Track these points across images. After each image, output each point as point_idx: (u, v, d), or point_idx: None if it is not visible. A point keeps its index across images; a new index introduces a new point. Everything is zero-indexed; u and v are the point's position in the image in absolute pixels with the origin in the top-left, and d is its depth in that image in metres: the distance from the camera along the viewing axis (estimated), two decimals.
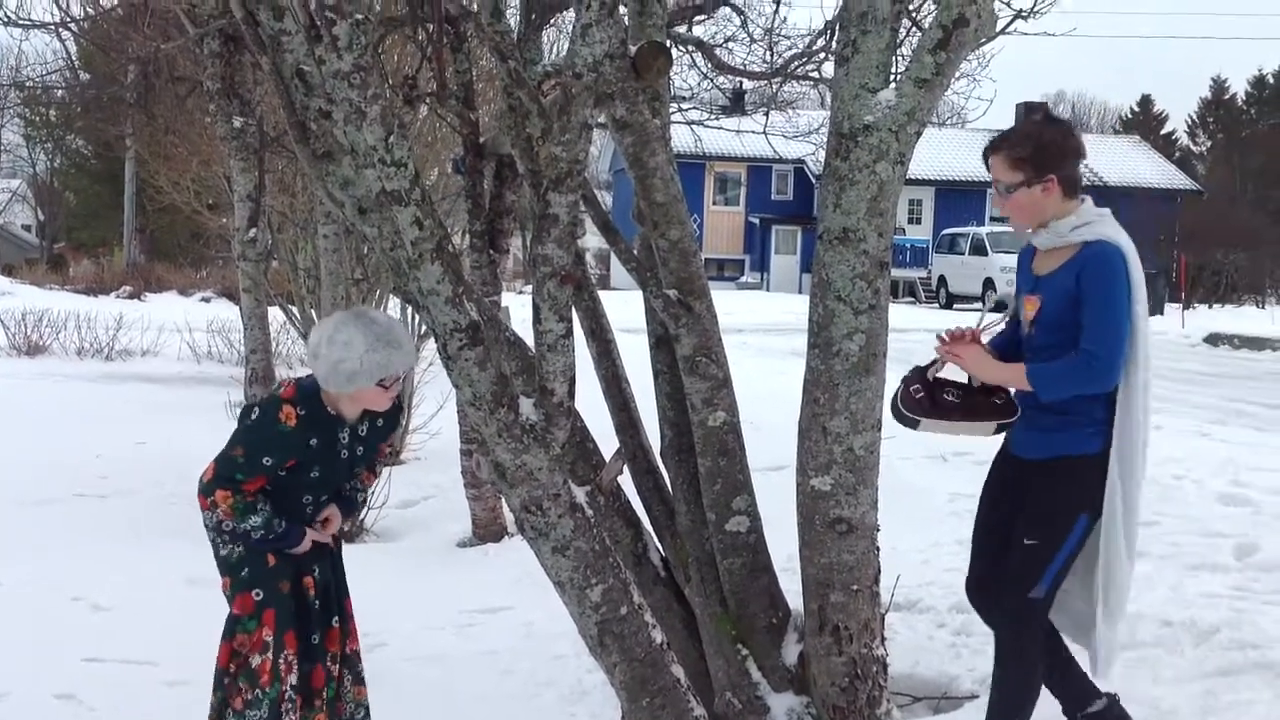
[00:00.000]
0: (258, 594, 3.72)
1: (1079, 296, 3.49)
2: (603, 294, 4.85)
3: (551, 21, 6.28)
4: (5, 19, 8.34)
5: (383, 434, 3.93)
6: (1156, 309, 28.34)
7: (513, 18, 5.52)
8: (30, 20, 8.56)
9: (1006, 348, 3.90)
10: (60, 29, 9.14)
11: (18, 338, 17.75)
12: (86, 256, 39.64)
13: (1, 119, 51.77)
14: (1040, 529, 3.61)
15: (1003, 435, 3.89)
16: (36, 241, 56.87)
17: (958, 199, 42.19)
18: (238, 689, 3.67)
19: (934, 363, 3.88)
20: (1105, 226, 3.56)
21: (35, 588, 6.51)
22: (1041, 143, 3.51)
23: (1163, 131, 63.86)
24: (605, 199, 39.93)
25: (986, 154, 3.67)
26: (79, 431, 11.44)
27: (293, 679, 3.72)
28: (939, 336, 3.86)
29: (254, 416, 3.65)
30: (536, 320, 3.88)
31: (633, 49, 3.91)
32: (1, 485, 9.06)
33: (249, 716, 3.67)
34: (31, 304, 20.13)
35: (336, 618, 3.88)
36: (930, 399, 3.84)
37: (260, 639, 3.70)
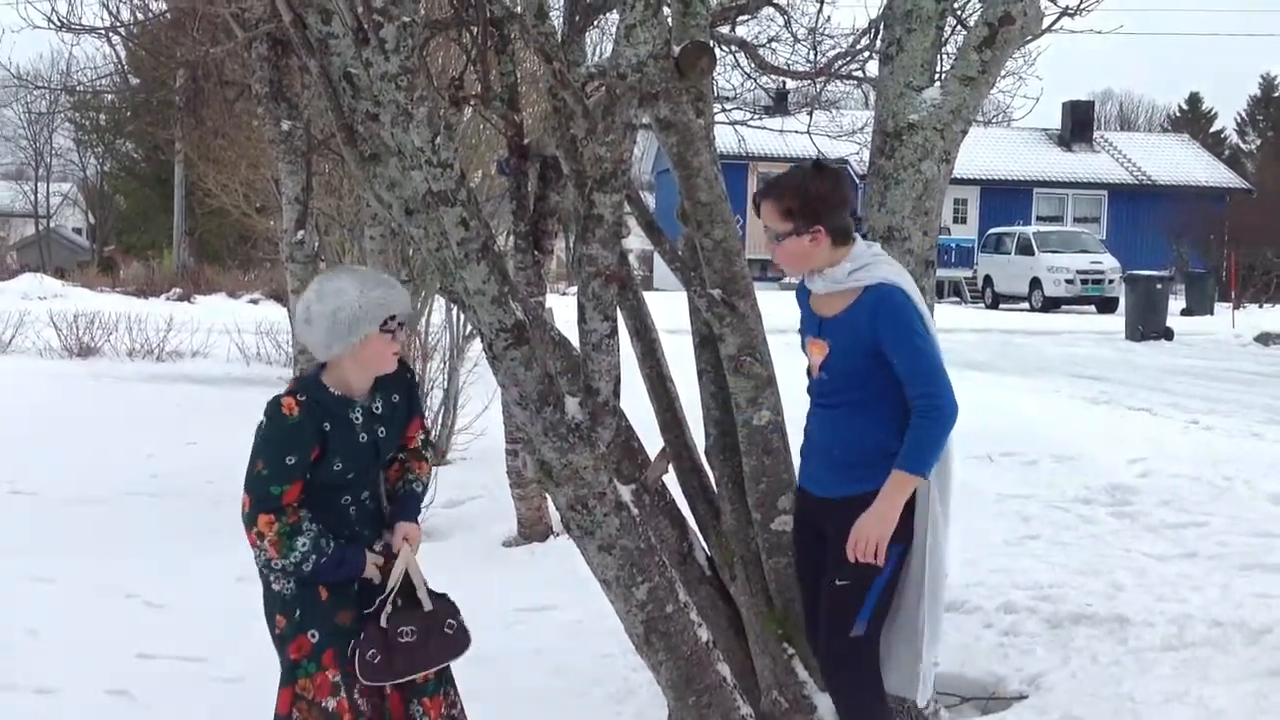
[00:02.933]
0: (313, 635, 3.53)
1: (877, 348, 3.47)
2: (646, 294, 4.85)
3: (595, 23, 6.30)
4: (56, 24, 8.44)
5: (403, 412, 3.71)
6: (1206, 309, 28.02)
7: (557, 19, 5.55)
8: (80, 25, 8.66)
9: None
10: (110, 34, 9.26)
11: (70, 339, 17.98)
12: (136, 259, 40.09)
13: (52, 123, 52.52)
14: (850, 567, 3.54)
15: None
16: (87, 244, 57.62)
17: (1003, 198, 41.88)
18: None
19: (385, 599, 3.58)
20: (881, 268, 3.54)
21: (88, 586, 6.60)
22: (808, 195, 3.51)
23: (1212, 130, 63.16)
24: (648, 200, 39.92)
25: (758, 200, 3.65)
26: (130, 432, 11.58)
27: (363, 705, 3.56)
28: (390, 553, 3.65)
29: (263, 424, 3.47)
30: (582, 319, 3.90)
31: (676, 49, 3.92)
32: (55, 485, 9.20)
33: None
34: (83, 306, 20.41)
35: None
36: (388, 654, 3.53)
37: (327, 681, 3.52)
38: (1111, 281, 30.84)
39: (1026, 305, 32.22)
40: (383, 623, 3.56)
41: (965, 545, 6.77)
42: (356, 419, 3.57)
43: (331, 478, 3.53)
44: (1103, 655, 5.07)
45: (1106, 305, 30.73)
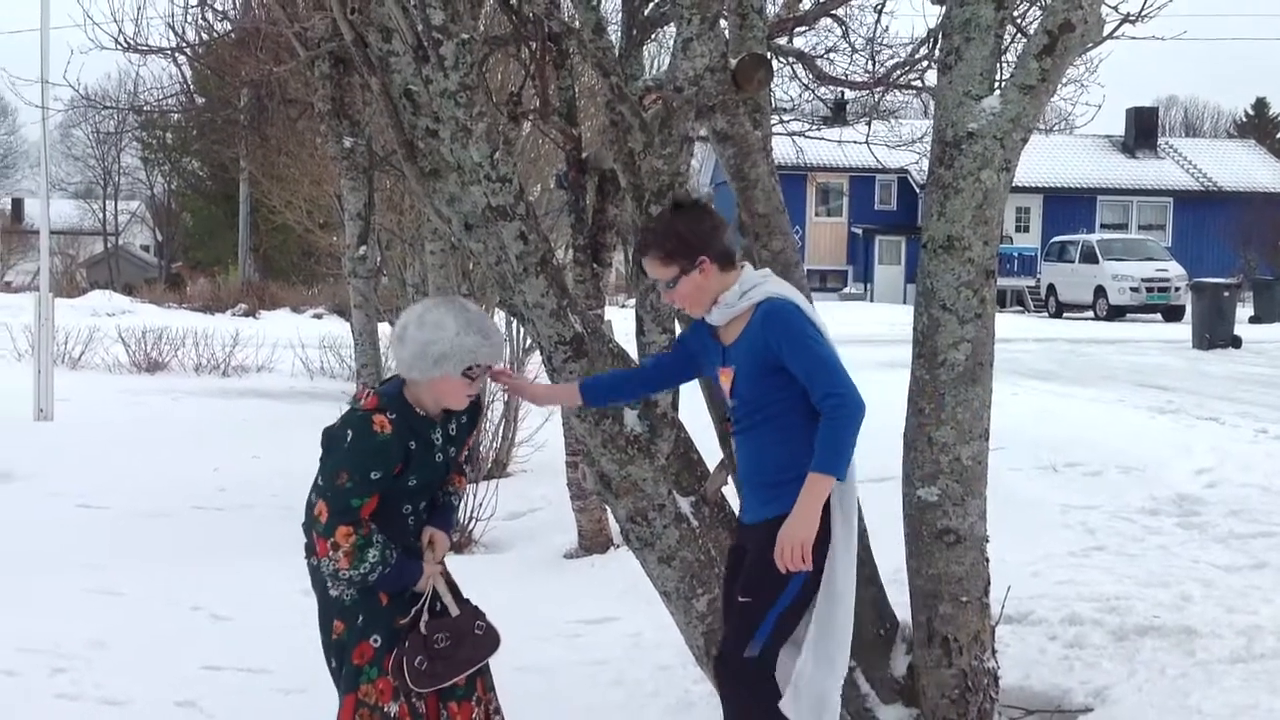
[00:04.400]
0: (375, 640, 3.60)
1: (777, 360, 3.46)
2: None
3: (653, 36, 6.33)
4: (123, 45, 8.59)
5: (465, 434, 3.80)
6: (1275, 316, 27.53)
7: (614, 34, 5.58)
8: (147, 46, 8.82)
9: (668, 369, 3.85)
10: (176, 54, 9.41)
11: (138, 355, 18.28)
12: (203, 275, 40.62)
13: (120, 143, 53.43)
14: (753, 587, 3.54)
15: None
16: (155, 261, 58.55)
17: (1067, 206, 41.46)
18: None
19: (419, 609, 3.67)
20: (770, 286, 3.56)
21: (156, 598, 6.69)
22: (681, 232, 3.51)
23: (1279, 135, 62.17)
24: None
25: (637, 260, 3.64)
26: (196, 446, 11.75)
27: (421, 708, 3.64)
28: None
29: (349, 437, 3.51)
30: (640, 331, 3.92)
31: (733, 62, 3.93)
32: (123, 499, 9.34)
33: None
34: (151, 322, 20.74)
35: None
36: (432, 662, 3.62)
37: (390, 686, 3.59)
38: (1177, 289, 30.40)
39: (1091, 314, 31.82)
40: (423, 629, 3.63)
41: (1030, 557, 6.70)
42: (437, 440, 3.65)
43: (403, 490, 3.60)
44: (1170, 667, 4.99)
45: (1172, 313, 30.28)
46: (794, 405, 3.49)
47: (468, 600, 3.83)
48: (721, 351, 3.62)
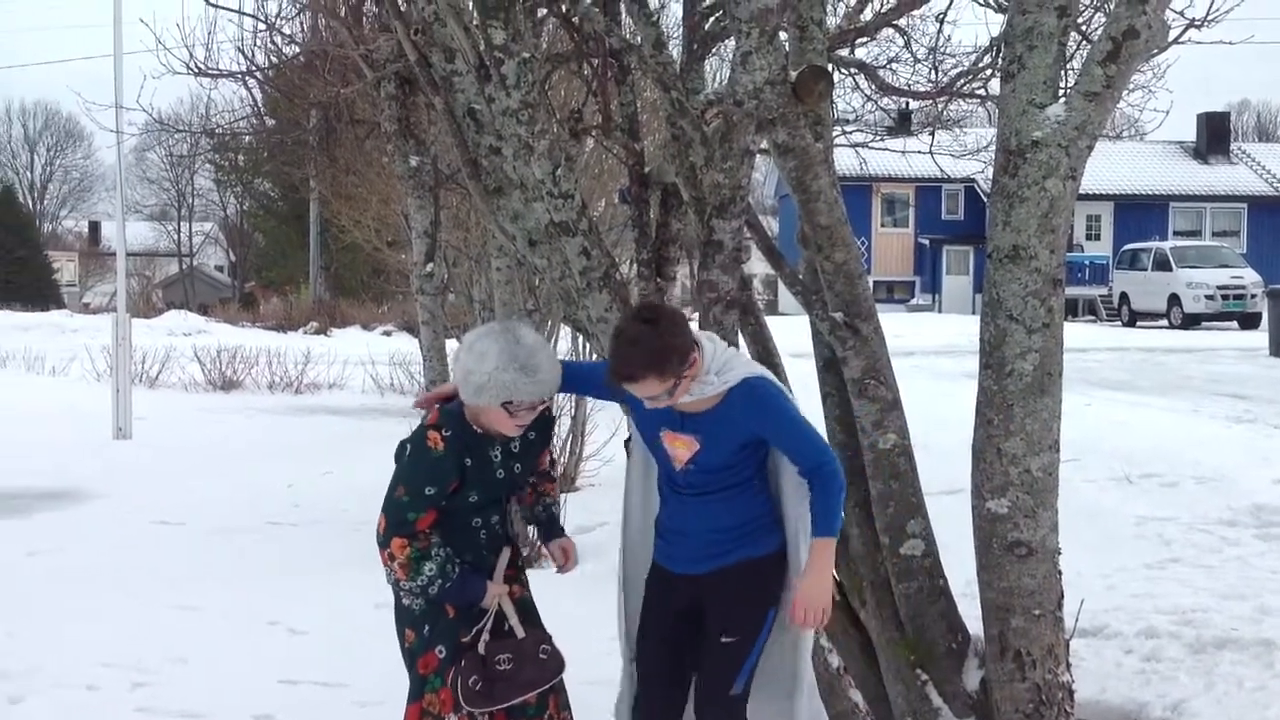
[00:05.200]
0: (440, 651, 3.66)
1: (751, 439, 3.56)
2: (771, 319, 4.86)
3: (713, 50, 6.34)
4: (195, 70, 8.76)
5: (537, 446, 3.82)
6: None
7: (675, 48, 5.59)
8: (218, 70, 8.99)
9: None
10: (246, 78, 9.58)
11: (213, 374, 18.57)
12: (275, 294, 41.17)
13: (193, 165, 54.35)
14: (737, 626, 3.63)
15: None
16: (229, 281, 59.51)
17: (1138, 213, 40.92)
18: None
19: (481, 629, 3.70)
20: (740, 367, 3.58)
21: (234, 613, 6.78)
22: (672, 348, 3.40)
23: None
24: (771, 224, 39.85)
25: (624, 385, 3.49)
26: (271, 463, 11.90)
27: None
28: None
29: (407, 452, 3.59)
30: None
31: (793, 74, 3.93)
32: (200, 515, 9.48)
33: None
34: (226, 341, 21.07)
35: None
36: (489, 682, 3.66)
37: (451, 698, 3.63)
38: (1254, 296, 29.89)
39: (1165, 323, 31.39)
40: (481, 650, 3.66)
41: (1104, 569, 6.62)
42: (495, 456, 3.67)
43: (466, 506, 3.65)
44: (1248, 680, 4.92)
45: (1249, 321, 29.78)
46: (757, 469, 3.66)
47: (539, 622, 3.86)
48: (679, 418, 3.59)
